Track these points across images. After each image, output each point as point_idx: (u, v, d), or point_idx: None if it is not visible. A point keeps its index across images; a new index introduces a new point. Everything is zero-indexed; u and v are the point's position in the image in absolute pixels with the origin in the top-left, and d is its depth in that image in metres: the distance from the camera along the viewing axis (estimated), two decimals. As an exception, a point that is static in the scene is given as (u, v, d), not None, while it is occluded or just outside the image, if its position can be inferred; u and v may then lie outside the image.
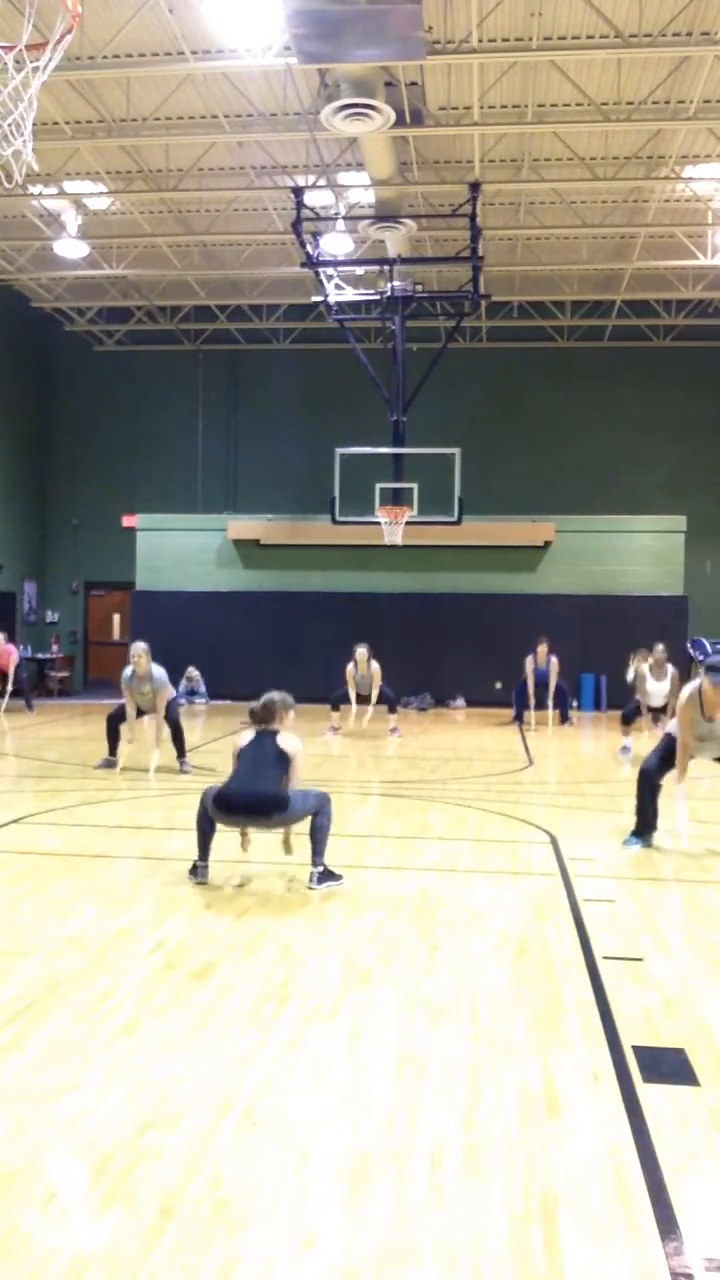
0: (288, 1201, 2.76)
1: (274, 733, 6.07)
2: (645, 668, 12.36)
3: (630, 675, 12.94)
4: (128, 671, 10.48)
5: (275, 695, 6.20)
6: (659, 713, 12.17)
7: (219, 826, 6.11)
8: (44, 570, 23.67)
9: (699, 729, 6.95)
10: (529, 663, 15.57)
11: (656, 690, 12.20)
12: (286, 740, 6.06)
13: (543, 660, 15.58)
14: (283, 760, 5.96)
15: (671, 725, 7.32)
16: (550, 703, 15.77)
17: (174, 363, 23.10)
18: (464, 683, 19.33)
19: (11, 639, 16.81)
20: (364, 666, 13.99)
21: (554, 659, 15.63)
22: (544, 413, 21.99)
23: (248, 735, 6.12)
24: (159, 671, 10.43)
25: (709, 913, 5.60)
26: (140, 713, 10.66)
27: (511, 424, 21.78)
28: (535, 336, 21.92)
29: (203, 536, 20.00)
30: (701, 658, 11.71)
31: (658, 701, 12.28)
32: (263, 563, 19.86)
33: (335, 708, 14.20)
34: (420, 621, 18.99)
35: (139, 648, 10.46)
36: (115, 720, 10.79)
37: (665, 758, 7.16)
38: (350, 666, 14.03)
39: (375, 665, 14.02)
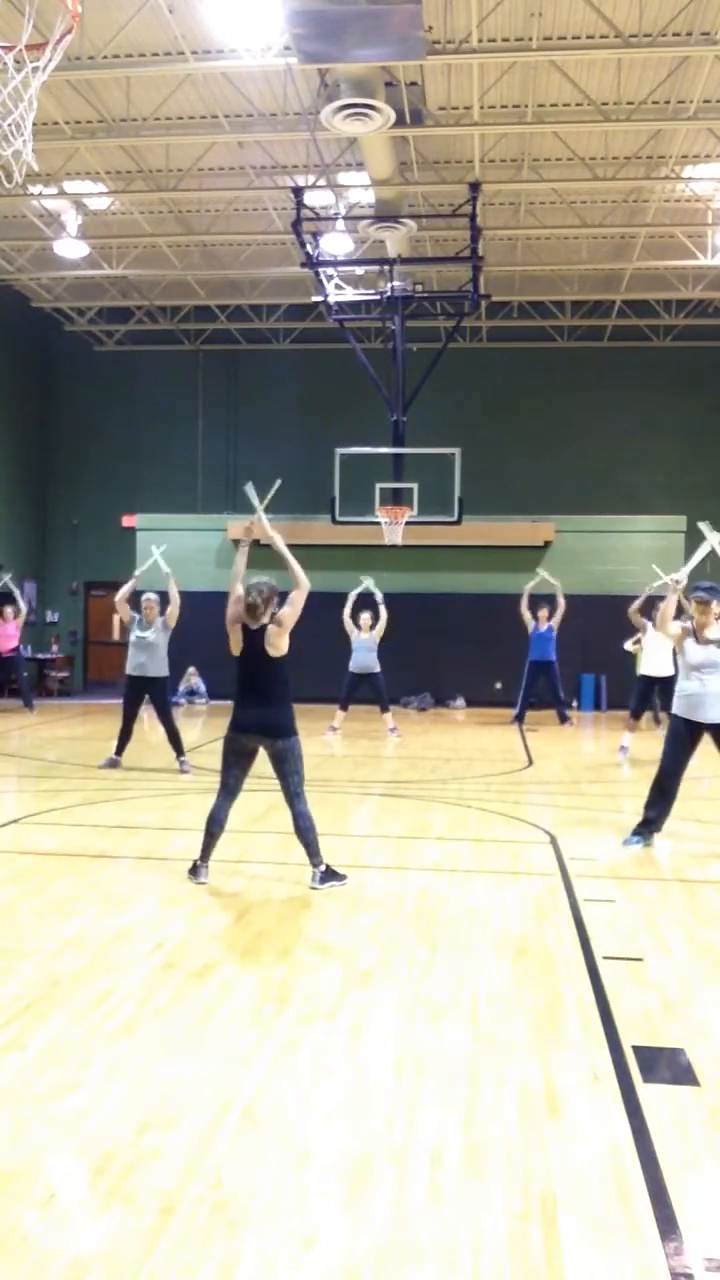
0: (288, 1201, 2.76)
1: (262, 632, 6.04)
2: (647, 621, 12.24)
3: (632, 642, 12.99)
4: (137, 618, 10.86)
5: (264, 584, 6.15)
6: (666, 694, 11.71)
7: (227, 828, 6.13)
8: (44, 570, 23.66)
9: (694, 656, 7.04)
10: (529, 623, 15.55)
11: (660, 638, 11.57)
12: (273, 639, 6.04)
13: (543, 623, 15.53)
14: (277, 673, 6.06)
15: (674, 703, 7.24)
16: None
17: (174, 363, 23.08)
18: (464, 683, 19.31)
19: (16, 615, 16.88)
20: (365, 630, 14.37)
21: (554, 621, 15.53)
22: (544, 413, 21.95)
23: (238, 641, 6.16)
24: (163, 619, 10.84)
25: (709, 913, 5.60)
26: (141, 686, 10.66)
27: (511, 424, 21.74)
28: (535, 336, 21.90)
29: (203, 536, 19.95)
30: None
31: (657, 661, 12.13)
32: (263, 563, 19.75)
33: (343, 707, 14.19)
34: (420, 621, 18.94)
35: (151, 597, 10.93)
36: (131, 714, 10.79)
37: (686, 748, 7.13)
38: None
39: (381, 623, 14.35)
